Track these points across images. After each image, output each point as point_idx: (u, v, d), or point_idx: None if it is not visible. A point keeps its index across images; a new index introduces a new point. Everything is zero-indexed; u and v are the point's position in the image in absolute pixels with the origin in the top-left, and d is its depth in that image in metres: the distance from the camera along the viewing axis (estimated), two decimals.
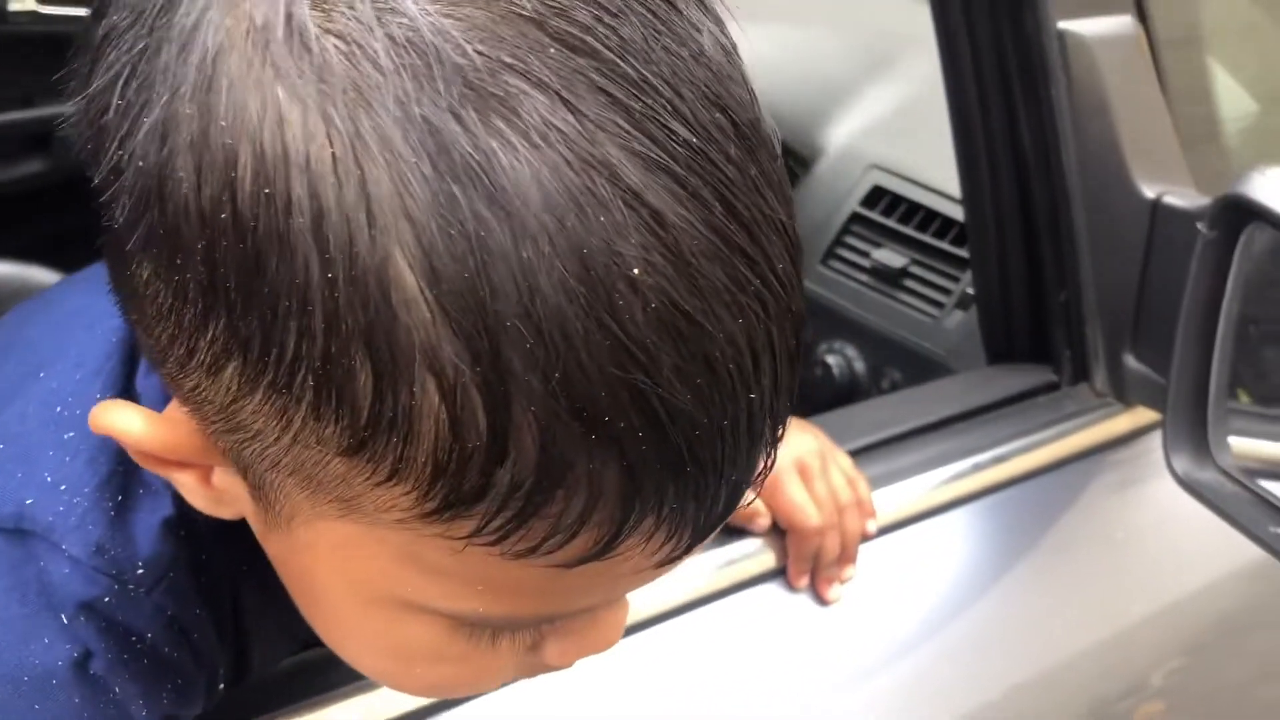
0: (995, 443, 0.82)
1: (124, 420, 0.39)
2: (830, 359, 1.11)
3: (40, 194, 1.79)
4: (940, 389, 0.91)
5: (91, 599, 0.43)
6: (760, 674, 0.70)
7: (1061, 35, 0.81)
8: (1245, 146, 1.16)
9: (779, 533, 0.71)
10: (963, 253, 1.07)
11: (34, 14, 2.09)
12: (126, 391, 0.45)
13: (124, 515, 0.44)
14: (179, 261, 0.33)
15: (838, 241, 1.17)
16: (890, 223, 1.15)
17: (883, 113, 1.26)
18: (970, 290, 1.03)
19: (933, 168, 1.14)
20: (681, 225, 0.32)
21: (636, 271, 0.31)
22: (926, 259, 1.11)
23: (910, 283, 1.11)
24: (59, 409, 0.45)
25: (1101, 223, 0.84)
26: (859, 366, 1.11)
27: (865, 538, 0.72)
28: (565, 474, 0.32)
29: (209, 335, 0.33)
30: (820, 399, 1.11)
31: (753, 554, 0.70)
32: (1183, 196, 0.81)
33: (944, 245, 1.10)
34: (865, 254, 1.15)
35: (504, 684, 0.45)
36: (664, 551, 0.36)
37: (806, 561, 0.70)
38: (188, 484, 0.40)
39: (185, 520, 0.44)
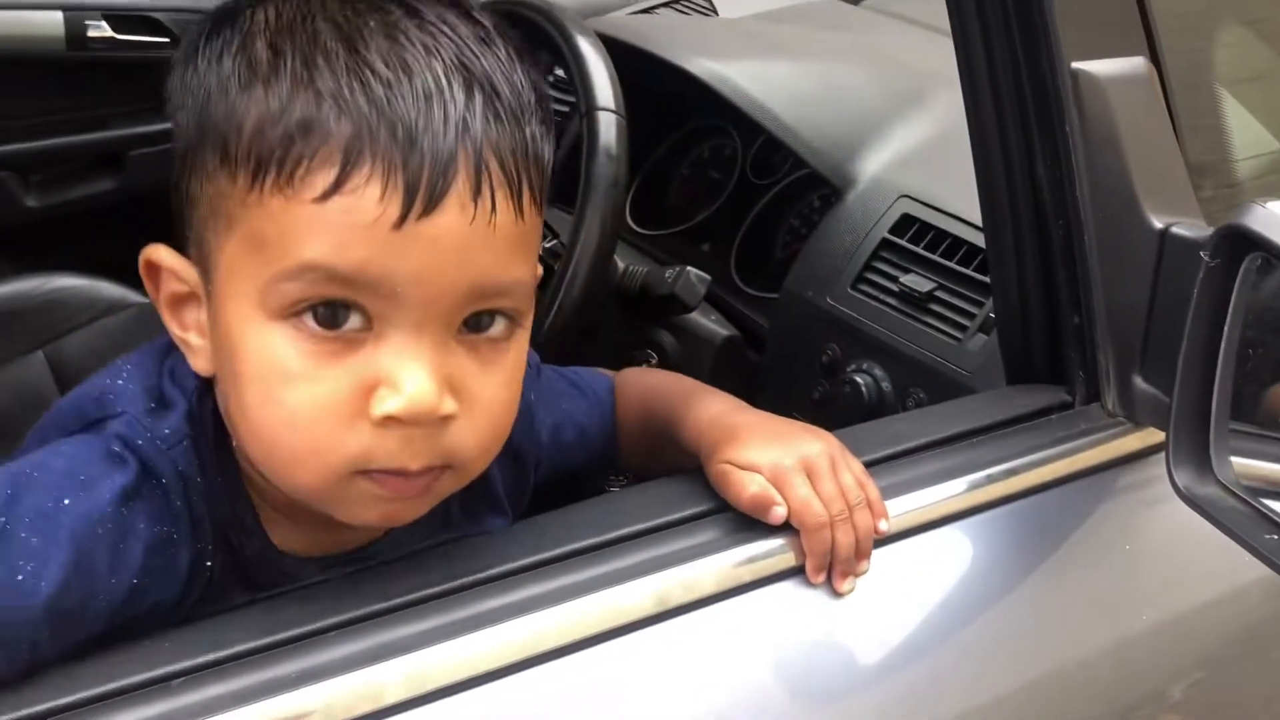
0: (1009, 457, 0.86)
1: (162, 251, 0.65)
2: (859, 378, 1.16)
3: (111, 211, 1.88)
4: (957, 407, 0.95)
5: (131, 437, 0.64)
6: (774, 670, 0.74)
7: (1075, 75, 0.86)
8: (1265, 183, 1.20)
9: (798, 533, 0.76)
10: (987, 279, 1.12)
11: (111, 40, 2.19)
12: (158, 385, 0.67)
13: (157, 409, 0.66)
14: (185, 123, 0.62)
15: (867, 266, 1.22)
16: (918, 249, 1.20)
17: (912, 145, 1.31)
18: (993, 314, 1.08)
19: (959, 197, 1.19)
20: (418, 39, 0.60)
21: (376, 40, 0.59)
22: (952, 284, 1.16)
23: (936, 307, 1.16)
24: (117, 364, 0.69)
25: (1113, 251, 0.88)
26: (886, 386, 1.16)
27: (878, 536, 0.77)
28: (311, 125, 0.57)
29: (195, 165, 0.61)
30: (848, 416, 1.16)
31: (774, 552, 0.75)
32: (1190, 227, 0.86)
33: (969, 271, 1.15)
34: (894, 279, 1.20)
35: (354, 434, 0.60)
36: (393, 203, 0.56)
37: (820, 557, 0.74)
38: (189, 319, 0.65)
39: (192, 424, 0.66)
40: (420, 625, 0.65)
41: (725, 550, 0.74)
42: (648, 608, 0.71)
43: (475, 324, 0.62)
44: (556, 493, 0.84)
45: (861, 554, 0.76)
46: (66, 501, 0.59)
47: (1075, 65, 0.86)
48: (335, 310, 0.58)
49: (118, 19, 2.16)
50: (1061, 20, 0.86)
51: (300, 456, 0.60)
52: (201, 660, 0.60)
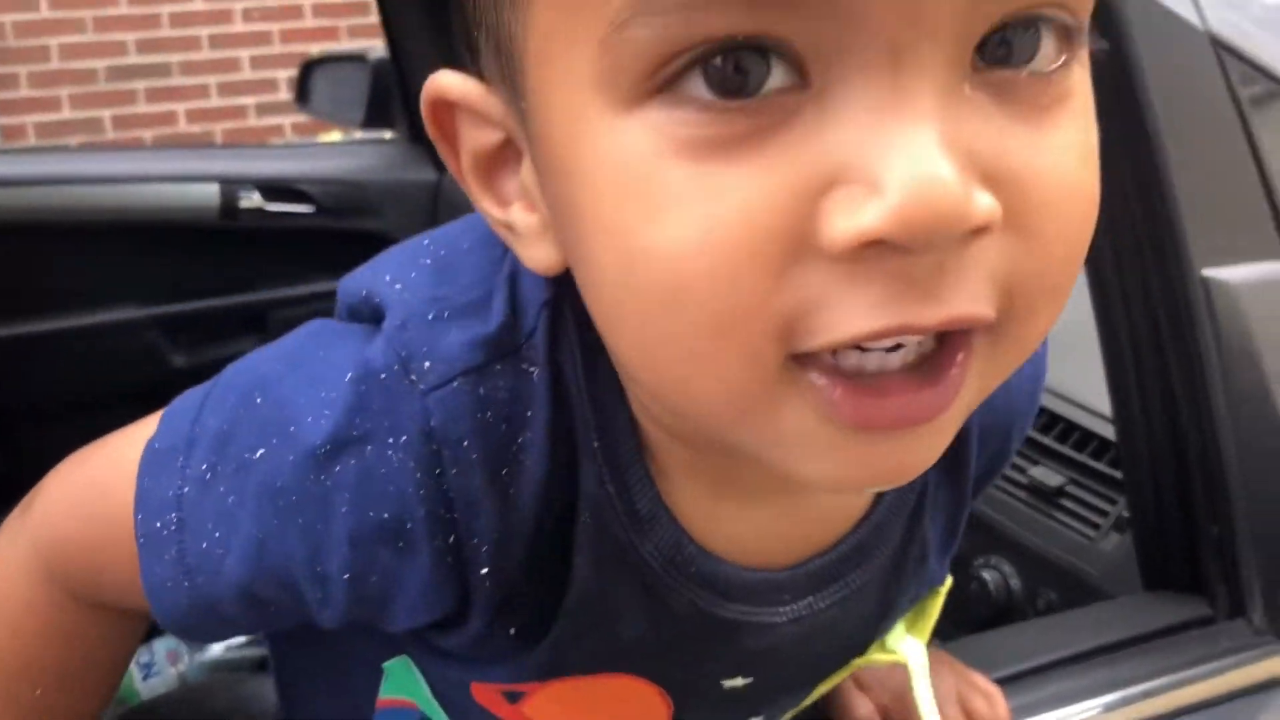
0: (1145, 676, 0.82)
1: (449, 77, 0.42)
2: (986, 574, 1.12)
3: None
4: (1090, 616, 0.91)
5: (369, 364, 0.43)
6: None
7: (1205, 282, 0.84)
8: None
9: None
10: (1119, 474, 1.08)
11: (260, 210, 2.35)
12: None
13: (439, 325, 0.44)
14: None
15: None
16: (1048, 440, 1.16)
17: None
18: (1127, 513, 1.04)
19: (1089, 389, 1.16)
20: None
21: None
22: (1083, 479, 1.12)
23: (1067, 502, 1.12)
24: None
25: (1254, 461, 0.85)
26: (1015, 584, 1.12)
27: None
28: None
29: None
30: (976, 615, 1.12)
31: None
32: None
33: (1101, 466, 1.11)
34: (1022, 470, 1.16)
35: (792, 283, 0.34)
36: None
37: None
38: (509, 189, 0.43)
39: (504, 344, 0.43)
40: None
41: None
42: None
43: (1002, 50, 0.35)
44: None
45: None
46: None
47: (1206, 272, 0.85)
48: (740, 59, 0.33)
49: (267, 189, 2.30)
50: (1189, 223, 0.84)
51: (694, 338, 0.35)
52: None
